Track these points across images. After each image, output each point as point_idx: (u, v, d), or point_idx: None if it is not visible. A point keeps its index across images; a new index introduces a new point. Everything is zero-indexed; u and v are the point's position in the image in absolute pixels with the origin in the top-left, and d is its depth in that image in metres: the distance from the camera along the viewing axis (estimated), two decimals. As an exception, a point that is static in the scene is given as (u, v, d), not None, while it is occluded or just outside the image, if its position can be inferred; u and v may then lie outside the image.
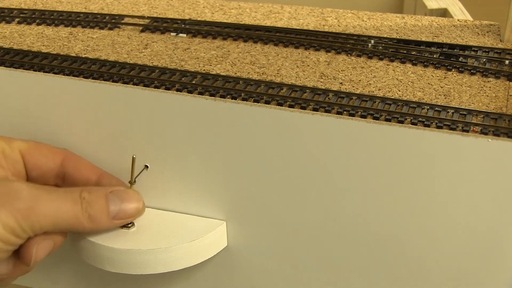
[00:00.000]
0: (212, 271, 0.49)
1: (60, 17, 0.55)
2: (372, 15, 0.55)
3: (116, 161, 0.46)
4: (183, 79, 0.45)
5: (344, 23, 0.53)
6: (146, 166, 0.46)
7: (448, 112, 0.40)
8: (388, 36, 0.50)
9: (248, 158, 0.43)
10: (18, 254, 0.42)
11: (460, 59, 0.46)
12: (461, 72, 0.45)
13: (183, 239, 0.45)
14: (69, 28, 0.54)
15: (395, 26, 0.52)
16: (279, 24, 0.53)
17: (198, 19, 0.55)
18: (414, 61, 0.47)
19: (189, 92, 0.44)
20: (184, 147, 0.44)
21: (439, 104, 0.41)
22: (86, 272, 0.54)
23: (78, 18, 0.55)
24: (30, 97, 0.47)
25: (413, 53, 0.47)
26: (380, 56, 0.48)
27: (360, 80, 0.44)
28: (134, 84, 0.45)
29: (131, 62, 0.48)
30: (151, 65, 0.47)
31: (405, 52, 0.48)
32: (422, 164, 0.39)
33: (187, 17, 0.55)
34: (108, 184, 0.45)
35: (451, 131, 0.38)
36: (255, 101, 0.42)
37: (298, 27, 0.52)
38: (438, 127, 0.39)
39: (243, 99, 0.42)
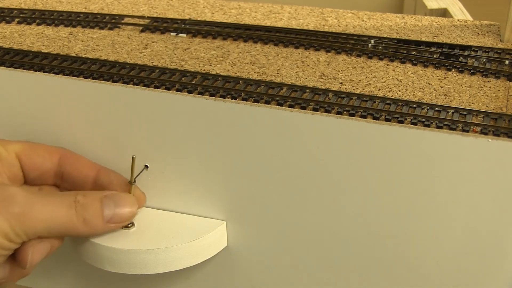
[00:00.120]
0: (212, 271, 0.49)
1: (60, 17, 0.55)
2: (372, 15, 0.55)
3: (116, 161, 0.46)
4: (183, 79, 0.45)
5: (344, 23, 0.53)
6: (146, 166, 0.46)
7: (448, 112, 0.40)
8: (388, 36, 0.50)
9: (248, 158, 0.43)
10: (14, 258, 0.41)
11: (460, 59, 0.46)
12: (461, 72, 0.45)
13: (183, 239, 0.45)
14: (69, 28, 0.54)
15: (395, 26, 0.52)
16: (279, 24, 0.53)
17: (198, 19, 0.55)
18: (414, 61, 0.47)
19: (189, 92, 0.44)
20: (184, 147, 0.44)
21: (439, 104, 0.41)
22: (86, 272, 0.54)
23: (78, 18, 0.55)
24: (30, 97, 0.47)
25: (413, 53, 0.47)
26: (380, 56, 0.48)
27: (360, 80, 0.44)
28: (134, 84, 0.45)
29: (131, 62, 0.48)
30: (151, 65, 0.47)
31: (405, 52, 0.48)
32: (422, 164, 0.39)
33: (187, 17, 0.55)
34: (107, 180, 0.45)
35: (451, 131, 0.38)
36: (255, 101, 0.42)
37: (298, 27, 0.52)
38: (438, 127, 0.39)
39: (243, 99, 0.42)
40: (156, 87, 0.44)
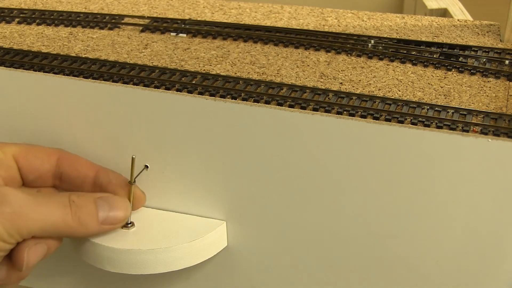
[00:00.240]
0: (212, 271, 0.49)
1: (60, 17, 0.55)
2: (372, 15, 0.55)
3: (116, 161, 0.46)
4: (183, 79, 0.45)
5: (344, 23, 0.53)
6: (146, 166, 0.46)
7: (448, 112, 0.40)
8: (388, 36, 0.50)
9: (248, 158, 0.43)
10: (10, 260, 0.41)
11: (460, 59, 0.46)
12: (461, 72, 0.45)
13: (183, 239, 0.45)
14: (69, 28, 0.54)
15: (395, 26, 0.52)
16: (279, 24, 0.53)
17: (198, 19, 0.55)
18: (414, 61, 0.47)
19: (189, 92, 0.44)
20: (184, 147, 0.44)
21: (439, 104, 0.41)
22: (86, 272, 0.54)
23: (78, 18, 0.55)
24: (30, 97, 0.47)
25: (413, 53, 0.47)
26: (380, 56, 0.48)
27: (360, 80, 0.44)
28: (134, 84, 0.45)
29: (131, 62, 0.48)
30: (151, 65, 0.47)
31: (405, 52, 0.48)
32: (422, 164, 0.39)
33: (187, 17, 0.55)
34: (106, 180, 0.45)
35: (451, 131, 0.38)
36: (255, 101, 0.42)
37: (298, 27, 0.52)
38: (438, 127, 0.39)
39: (243, 99, 0.42)
40: (156, 87, 0.44)
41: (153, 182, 0.46)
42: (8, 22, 0.55)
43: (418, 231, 0.41)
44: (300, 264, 0.46)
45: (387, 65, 0.47)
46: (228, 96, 0.43)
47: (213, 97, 0.42)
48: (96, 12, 0.56)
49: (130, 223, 0.45)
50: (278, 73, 0.46)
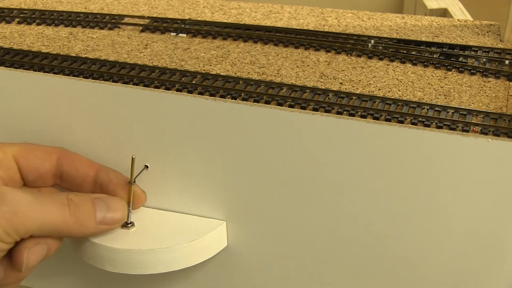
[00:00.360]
0: (212, 271, 0.49)
1: (60, 17, 0.55)
2: (372, 15, 0.55)
3: (116, 161, 0.46)
4: (183, 79, 0.45)
5: (344, 23, 0.53)
6: (146, 166, 0.46)
7: (448, 112, 0.40)
8: (388, 36, 0.50)
9: (248, 158, 0.43)
10: (10, 260, 0.41)
11: (460, 59, 0.46)
12: (461, 72, 0.45)
13: (183, 239, 0.45)
14: (69, 28, 0.54)
15: (395, 26, 0.52)
16: (279, 24, 0.53)
17: (198, 19, 0.55)
18: (414, 61, 0.47)
19: (189, 92, 0.44)
20: (184, 147, 0.44)
21: (439, 104, 0.41)
22: (86, 272, 0.54)
23: (78, 18, 0.55)
24: (30, 97, 0.47)
25: (413, 53, 0.47)
26: (380, 56, 0.48)
27: (360, 80, 0.44)
28: (134, 84, 0.45)
29: (131, 62, 0.48)
30: (151, 65, 0.47)
31: (405, 52, 0.48)
32: (422, 164, 0.39)
33: (187, 17, 0.55)
34: (106, 179, 0.45)
35: (451, 131, 0.38)
36: (255, 101, 0.42)
37: (298, 27, 0.52)
38: (438, 127, 0.39)
39: (243, 99, 0.42)
40: (156, 87, 0.44)
41: (153, 182, 0.46)
42: (8, 22, 0.55)
43: (418, 231, 0.41)
44: (300, 264, 0.46)
45: (387, 65, 0.47)
46: (228, 96, 0.43)
47: (213, 97, 0.42)
48: (96, 12, 0.56)
49: (130, 223, 0.45)
50: (278, 73, 0.46)
